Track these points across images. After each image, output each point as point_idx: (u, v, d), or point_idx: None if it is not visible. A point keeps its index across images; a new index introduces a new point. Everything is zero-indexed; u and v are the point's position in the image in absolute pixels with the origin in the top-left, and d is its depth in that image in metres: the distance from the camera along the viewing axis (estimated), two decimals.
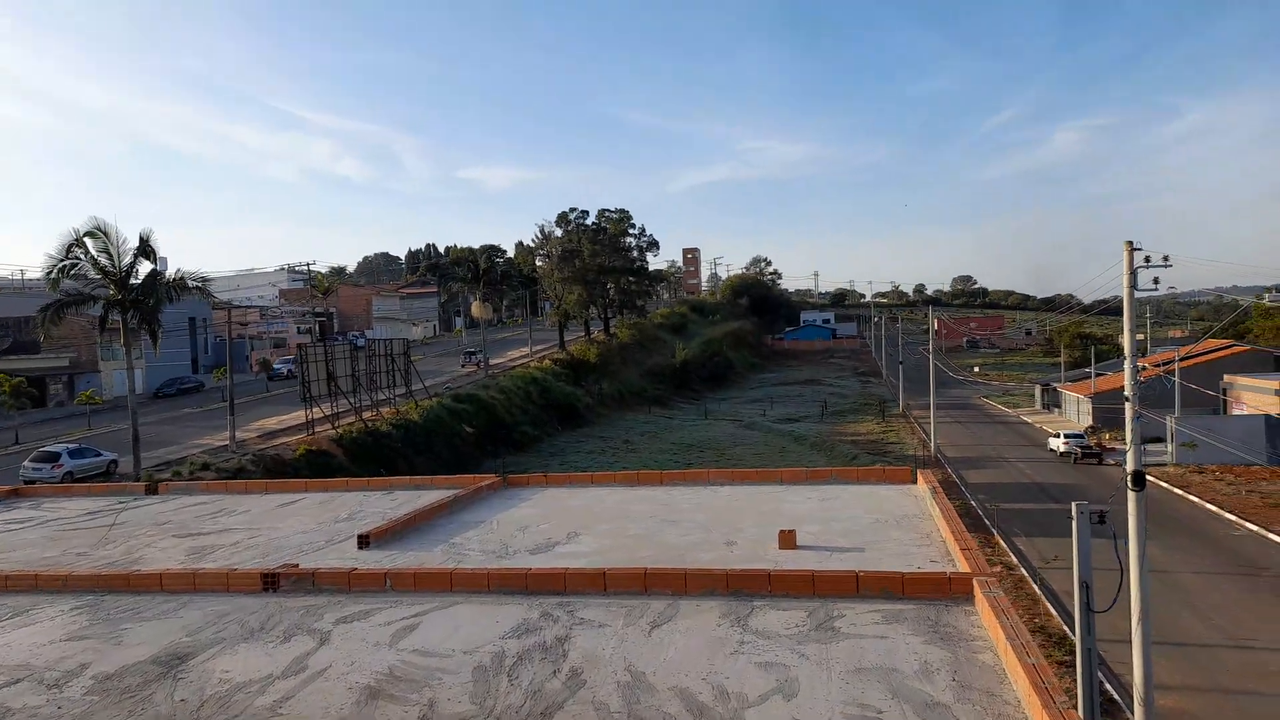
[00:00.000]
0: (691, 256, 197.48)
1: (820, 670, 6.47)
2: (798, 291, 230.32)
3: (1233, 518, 37.84)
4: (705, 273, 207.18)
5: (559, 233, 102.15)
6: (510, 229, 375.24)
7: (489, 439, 58.63)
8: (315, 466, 41.24)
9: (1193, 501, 41.57)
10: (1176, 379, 53.35)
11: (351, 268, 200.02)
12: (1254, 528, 35.89)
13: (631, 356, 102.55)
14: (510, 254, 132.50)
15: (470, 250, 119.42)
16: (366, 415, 51.85)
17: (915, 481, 12.95)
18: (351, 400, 51.07)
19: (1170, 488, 44.25)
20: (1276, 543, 33.71)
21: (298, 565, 9.83)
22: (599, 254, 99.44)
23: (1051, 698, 5.33)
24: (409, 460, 48.20)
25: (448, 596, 8.83)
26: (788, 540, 9.81)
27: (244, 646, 7.77)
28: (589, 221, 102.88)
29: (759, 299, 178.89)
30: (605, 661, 6.94)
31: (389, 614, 8.43)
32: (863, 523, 10.94)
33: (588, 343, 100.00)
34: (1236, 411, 56.09)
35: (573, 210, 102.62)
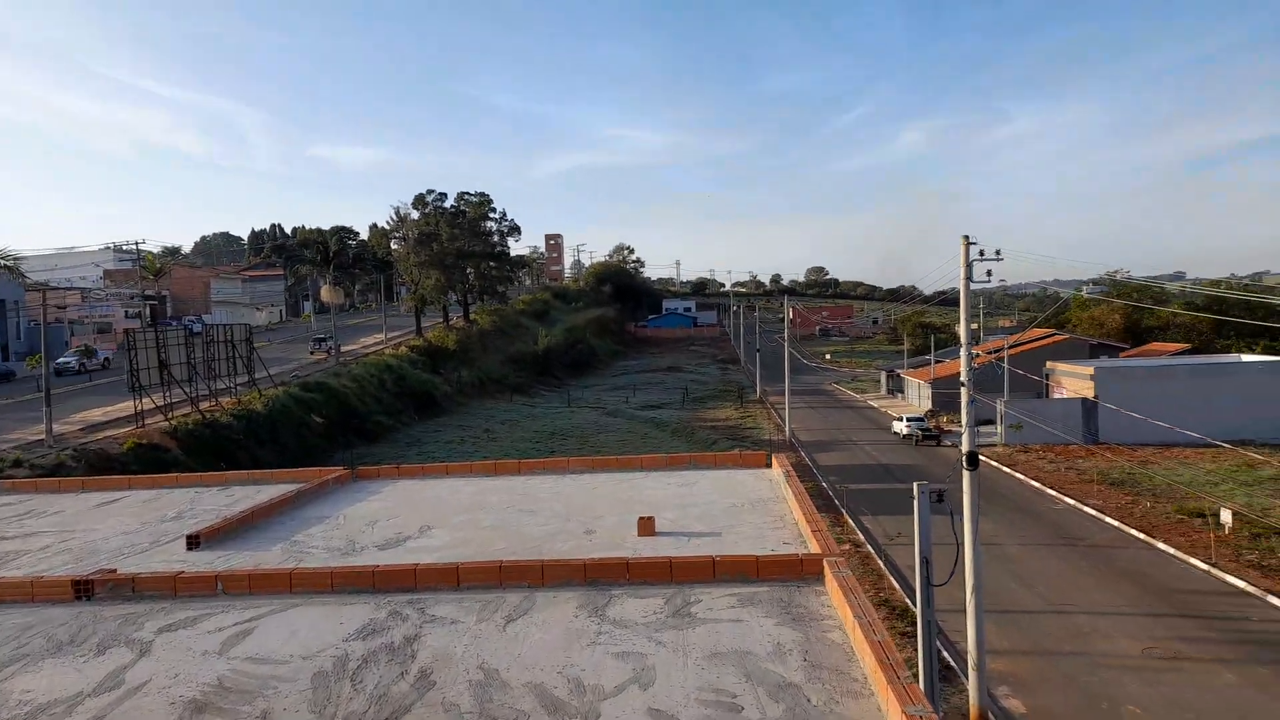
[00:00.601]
0: (554, 243, 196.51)
1: (677, 657, 6.43)
2: (660, 280, 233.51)
3: (1053, 493, 41.13)
4: (568, 259, 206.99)
5: (416, 215, 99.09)
6: (366, 211, 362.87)
7: (340, 429, 56.27)
8: (146, 461, 38.29)
9: (1019, 479, 44.92)
10: (1005, 365, 57.43)
11: (188, 248, 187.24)
12: (1071, 502, 39.14)
13: (492, 343, 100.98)
14: (364, 236, 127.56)
15: (320, 231, 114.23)
16: (204, 406, 48.64)
17: (770, 466, 13.23)
18: (187, 390, 47.75)
19: (999, 466, 47.64)
20: (1090, 515, 36.87)
21: (115, 570, 8.97)
22: (458, 238, 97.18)
23: (895, 673, 5.47)
24: (251, 453, 45.55)
25: (287, 599, 8.26)
26: (646, 527, 9.78)
27: (50, 662, 6.99)
28: (448, 204, 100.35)
29: (622, 287, 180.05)
30: (457, 660, 6.66)
31: (220, 620, 7.80)
32: (719, 507, 11.06)
33: (446, 329, 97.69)
34: (1057, 395, 61.01)
35: (430, 192, 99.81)
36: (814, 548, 8.58)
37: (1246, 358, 61.62)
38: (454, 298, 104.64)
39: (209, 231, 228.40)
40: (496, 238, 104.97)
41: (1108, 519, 35.86)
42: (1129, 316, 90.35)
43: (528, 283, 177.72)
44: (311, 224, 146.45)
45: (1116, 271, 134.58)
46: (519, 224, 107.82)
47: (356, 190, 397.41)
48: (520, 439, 60.16)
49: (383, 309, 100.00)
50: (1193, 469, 44.64)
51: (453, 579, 8.35)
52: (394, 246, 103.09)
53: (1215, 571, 28.47)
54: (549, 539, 10.11)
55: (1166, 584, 27.91)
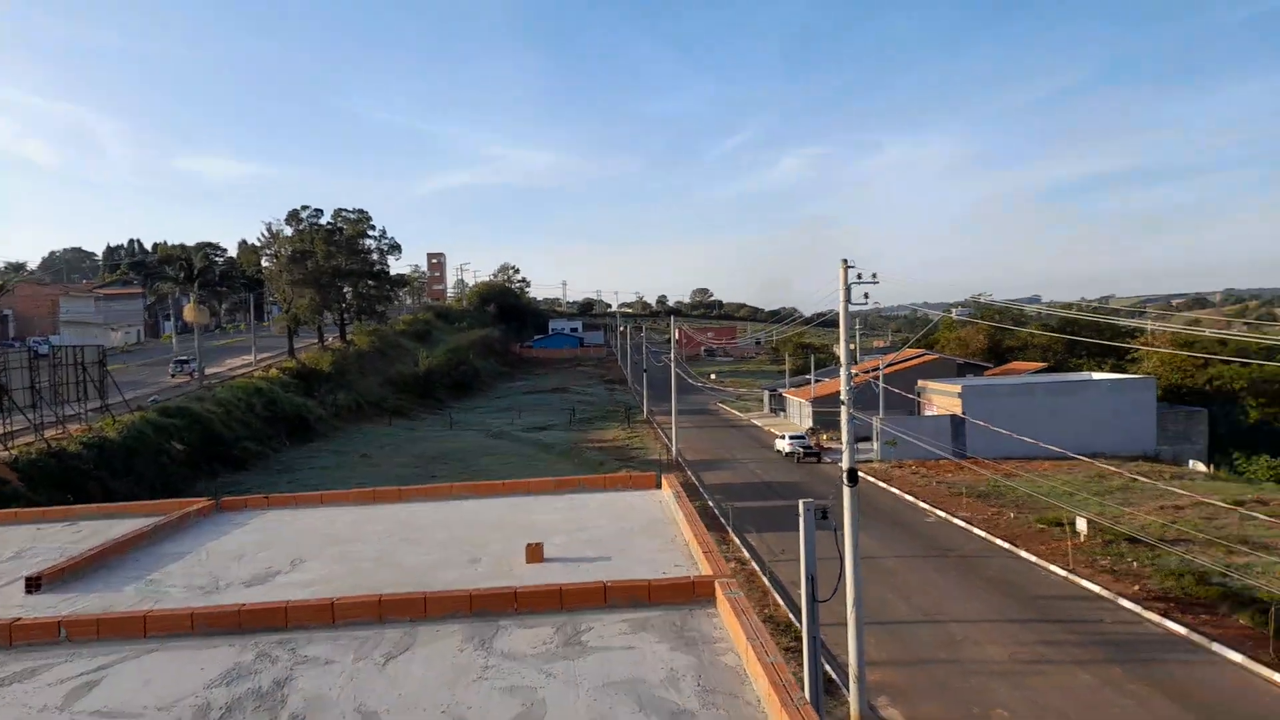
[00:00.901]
0: (437, 262, 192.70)
1: (568, 688, 6.20)
2: (546, 300, 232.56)
3: (926, 506, 42.93)
4: (451, 279, 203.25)
5: (289, 232, 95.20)
6: (235, 228, 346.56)
7: (204, 457, 53.10)
8: None
9: (894, 493, 46.69)
10: (881, 384, 59.79)
11: (34, 264, 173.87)
12: (942, 514, 40.93)
13: (371, 365, 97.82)
14: (233, 254, 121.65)
15: (183, 248, 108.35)
16: (50, 434, 44.95)
17: (660, 487, 13.16)
18: (30, 417, 44.04)
19: (876, 481, 49.41)
20: (960, 527, 38.64)
21: None
22: (334, 256, 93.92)
23: (789, 695, 5.42)
24: (104, 485, 42.32)
25: (141, 644, 7.56)
26: (535, 554, 9.50)
27: None
28: (324, 221, 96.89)
29: (507, 307, 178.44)
30: (332, 703, 6.21)
31: (63, 670, 7.06)
32: (609, 531, 10.87)
33: (321, 350, 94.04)
34: (928, 412, 63.94)
35: (305, 208, 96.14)
36: (705, 569, 8.52)
37: (1097, 375, 66.33)
38: (330, 318, 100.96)
39: (59, 247, 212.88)
40: (376, 256, 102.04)
41: (976, 530, 37.65)
42: (992, 337, 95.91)
43: (409, 302, 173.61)
44: (175, 239, 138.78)
45: (980, 295, 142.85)
46: (399, 242, 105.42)
47: (225, 205, 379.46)
48: (400, 463, 58.34)
49: (252, 329, 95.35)
50: (1051, 480, 47.48)
51: (327, 616, 7.85)
52: (265, 264, 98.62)
53: (1072, 577, 30.26)
54: (432, 570, 9.68)
55: (1029, 591, 29.45)
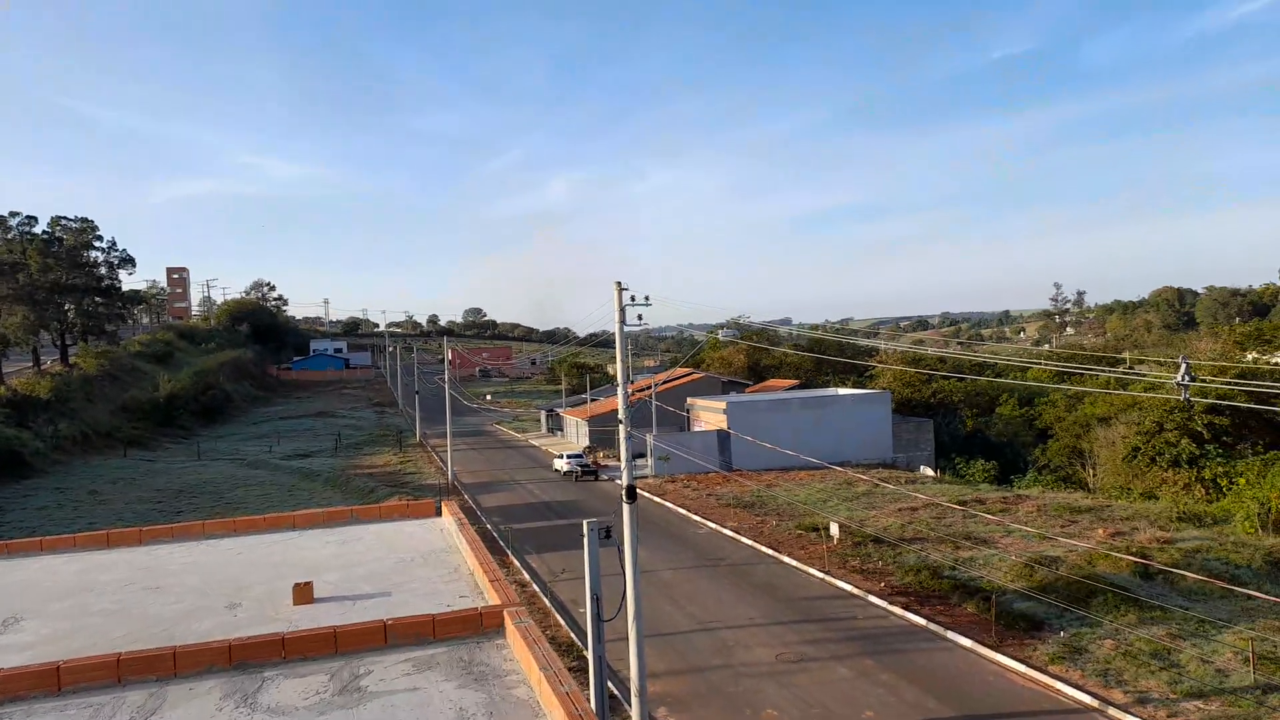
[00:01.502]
0: (178, 277, 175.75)
1: None
2: (306, 319, 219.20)
3: (697, 518, 44.69)
4: (196, 296, 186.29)
5: None
6: None
7: None
8: None
9: (668, 507, 48.22)
10: (653, 402, 61.73)
11: None
12: (713, 525, 42.79)
13: (101, 390, 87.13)
14: None
15: None
16: None
17: (440, 514, 12.65)
18: None
19: (651, 496, 50.80)
20: (729, 536, 40.56)
21: None
22: (53, 269, 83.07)
23: None
24: None
25: None
26: (304, 594, 8.75)
27: None
28: (39, 230, 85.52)
29: (262, 326, 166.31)
30: None
31: None
32: (387, 564, 10.27)
33: (38, 375, 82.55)
34: (697, 428, 66.79)
35: (14, 215, 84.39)
36: (493, 599, 8.24)
37: (842, 390, 72.44)
38: (48, 338, 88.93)
39: None
40: (104, 269, 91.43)
41: (743, 539, 39.69)
42: (751, 356, 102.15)
43: (146, 321, 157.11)
44: None
45: (740, 317, 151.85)
46: (133, 255, 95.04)
47: None
48: (138, 500, 52.31)
49: None
50: (807, 489, 51.14)
51: (52, 683, 6.75)
52: None
53: (829, 578, 32.65)
54: (183, 620, 8.64)
55: (792, 593, 31.42)
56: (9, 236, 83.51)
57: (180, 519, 44.19)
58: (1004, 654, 24.46)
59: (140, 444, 78.10)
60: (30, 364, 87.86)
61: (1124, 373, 57.36)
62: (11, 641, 8.25)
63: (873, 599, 29.98)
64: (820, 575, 33.10)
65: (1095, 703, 21.17)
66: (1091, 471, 60.33)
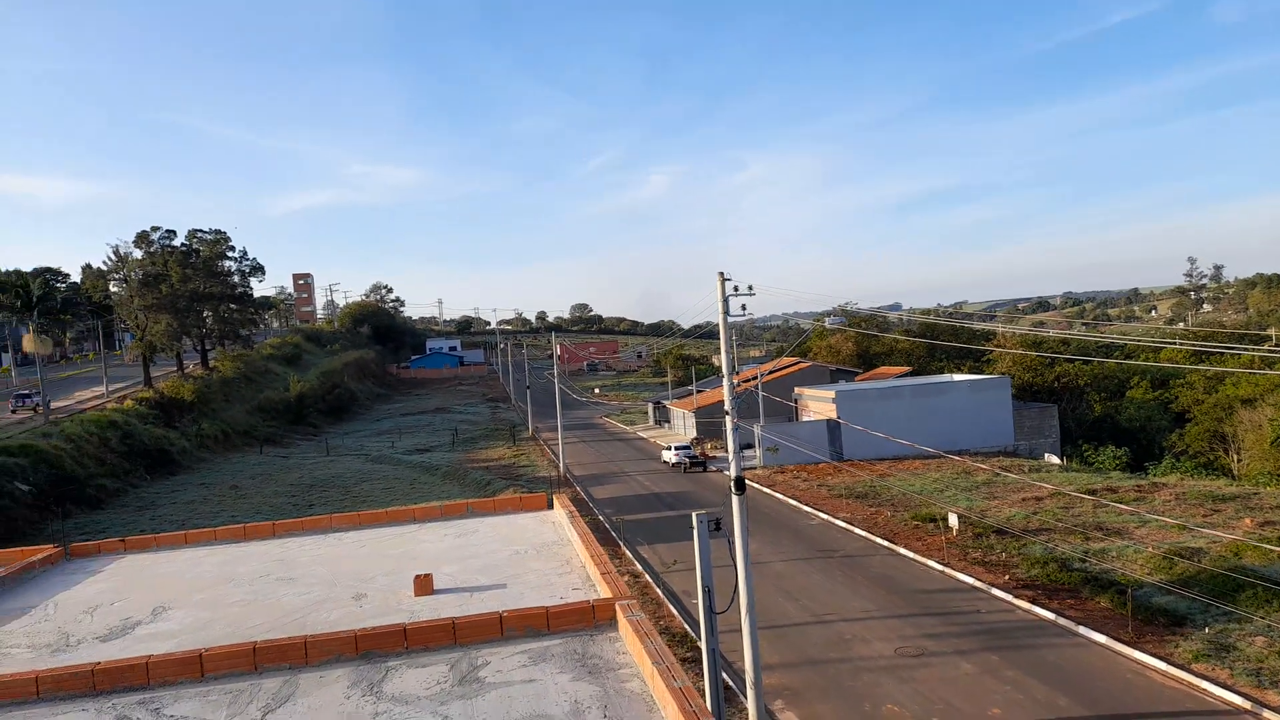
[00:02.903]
0: (304, 283, 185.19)
1: None
2: (422, 319, 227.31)
3: (808, 509, 44.03)
4: (321, 300, 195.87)
5: (139, 254, 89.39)
6: (78, 251, 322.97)
7: (54, 498, 48.94)
8: None
9: (778, 498, 47.70)
10: (760, 392, 61.15)
11: None
12: (825, 516, 42.07)
13: (237, 392, 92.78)
14: (76, 278, 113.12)
15: (19, 274, 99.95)
16: None
17: (552, 507, 12.85)
18: None
19: (760, 487, 50.35)
20: (841, 527, 39.79)
21: None
22: (191, 279, 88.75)
23: None
24: None
25: None
26: (424, 586, 9.03)
27: None
28: (177, 243, 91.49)
29: (382, 327, 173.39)
30: None
31: None
32: (502, 556, 10.50)
33: (182, 379, 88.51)
34: (805, 418, 65.79)
35: (156, 229, 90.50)
36: (605, 592, 8.28)
37: (957, 377, 69.93)
38: (190, 344, 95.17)
39: None
40: (237, 278, 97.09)
41: (856, 530, 38.85)
42: (859, 344, 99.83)
43: (276, 325, 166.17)
44: (8, 265, 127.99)
45: (846, 304, 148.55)
46: (263, 263, 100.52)
47: (63, 228, 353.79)
48: (273, 494, 55.43)
49: (103, 358, 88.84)
50: (922, 478, 49.62)
51: (195, 669, 7.18)
52: (114, 290, 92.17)
53: (948, 571, 31.58)
54: (313, 609, 9.05)
55: (910, 586, 30.54)
56: (151, 250, 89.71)
57: (311, 512, 46.58)
58: (1142, 650, 23.08)
59: (274, 441, 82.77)
60: (174, 368, 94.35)
61: (1270, 350, 53.14)
62: (160, 629, 8.83)
63: (996, 592, 28.83)
64: (939, 567, 32.07)
65: (1248, 704, 19.72)
66: (1235, 457, 56.29)
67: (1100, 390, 75.80)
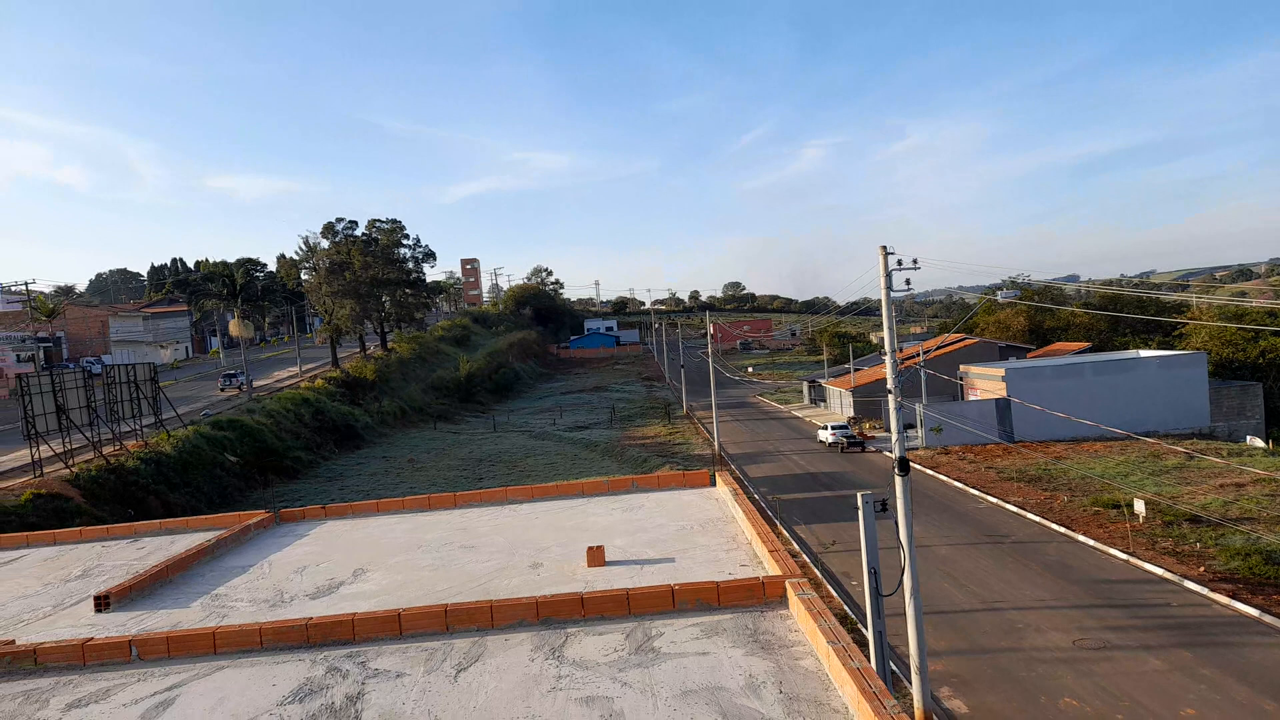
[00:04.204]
0: (471, 268, 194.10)
1: (645, 698, 6.07)
2: (580, 300, 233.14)
3: (976, 492, 42.17)
4: (486, 284, 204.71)
5: (325, 244, 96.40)
6: (271, 242, 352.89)
7: (257, 468, 53.95)
8: (46, 513, 35.86)
9: (942, 480, 45.94)
10: (923, 370, 58.93)
11: (82, 287, 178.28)
12: (994, 500, 40.17)
13: (412, 371, 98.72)
14: (272, 268, 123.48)
15: (224, 264, 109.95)
16: (108, 450, 45.98)
17: (714, 484, 12.99)
18: (88, 435, 45.07)
19: (923, 469, 48.66)
20: (1012, 512, 37.89)
21: (13, 641, 8.11)
22: (371, 266, 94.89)
23: (882, 703, 5.23)
24: (163, 498, 43.21)
25: (211, 661, 7.58)
26: (596, 557, 9.39)
27: None
28: (358, 232, 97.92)
29: (542, 309, 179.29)
30: (407, 718, 6.15)
31: (136, 690, 7.09)
32: (669, 531, 10.74)
33: (364, 359, 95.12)
34: (972, 397, 62.84)
35: (339, 220, 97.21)
36: (773, 569, 8.34)
37: (1144, 353, 64.69)
38: (370, 327, 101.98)
39: (105, 269, 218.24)
40: (411, 264, 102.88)
41: (1029, 515, 36.89)
42: (1032, 318, 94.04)
43: (446, 308, 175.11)
44: (214, 257, 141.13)
45: (1017, 276, 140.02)
46: (433, 250, 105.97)
47: (260, 221, 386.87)
48: (447, 467, 58.76)
49: (295, 341, 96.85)
50: (1104, 462, 46.40)
51: (394, 627, 7.81)
52: (304, 277, 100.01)
53: (1134, 560, 29.49)
54: (494, 576, 9.62)
55: (1089, 575, 28.75)
56: (336, 240, 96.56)
57: (481, 485, 49.10)
58: None
59: (446, 418, 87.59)
60: (358, 350, 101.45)
61: None
62: (361, 589, 9.65)
63: (1189, 585, 26.69)
64: (1123, 557, 29.99)
65: None
66: None
67: None
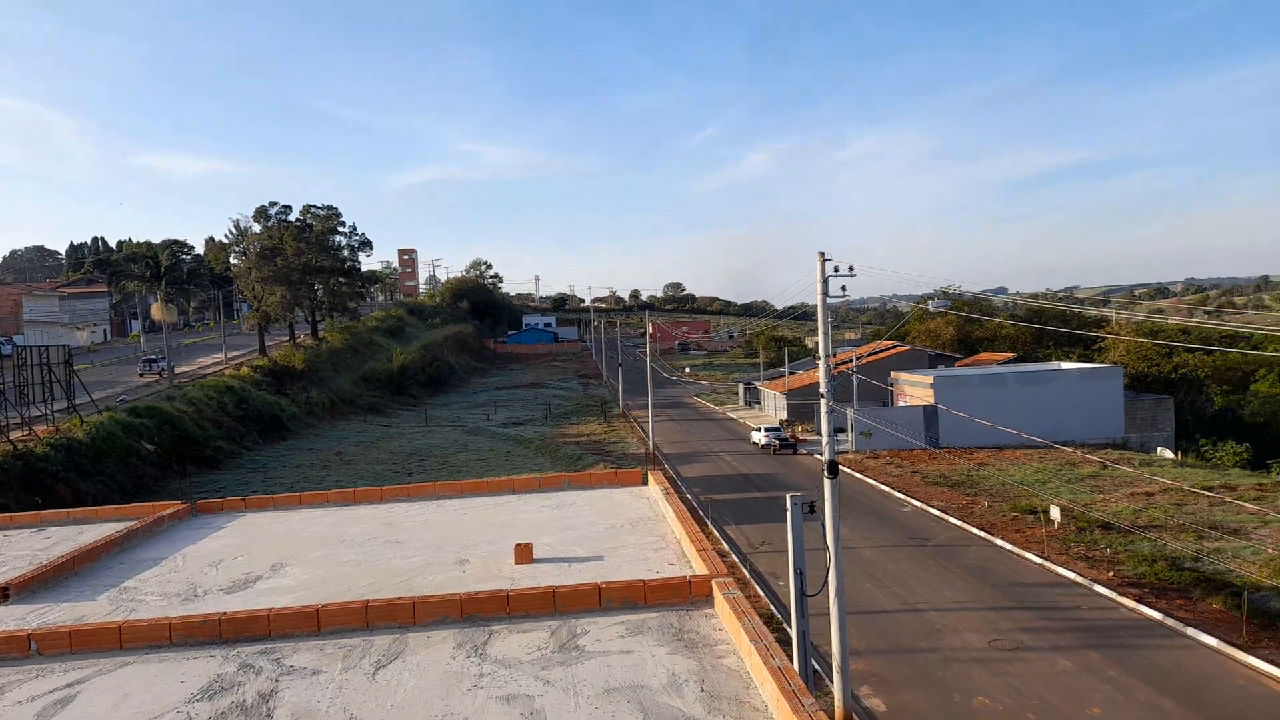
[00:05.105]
0: (408, 258, 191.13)
1: (567, 696, 6.03)
2: (520, 295, 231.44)
3: (901, 496, 43.19)
4: (423, 275, 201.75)
5: (258, 229, 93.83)
6: (200, 224, 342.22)
7: (176, 457, 52.20)
8: None
9: (870, 483, 46.94)
10: (855, 376, 60.10)
11: None
12: (919, 504, 41.19)
13: (344, 362, 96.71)
14: (200, 251, 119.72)
15: (149, 245, 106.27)
16: (15, 435, 43.92)
17: (646, 483, 13.00)
18: None
19: (852, 472, 49.63)
20: (936, 516, 38.90)
21: None
22: (304, 252, 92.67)
23: (800, 701, 5.28)
24: (73, 487, 41.47)
25: (116, 656, 7.28)
26: (524, 554, 9.30)
27: None
28: (292, 218, 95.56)
29: (480, 302, 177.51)
30: (321, 716, 6.00)
31: (34, 687, 6.77)
32: (599, 529, 10.71)
33: (293, 348, 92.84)
34: (901, 403, 64.36)
35: (273, 205, 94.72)
36: (700, 568, 8.37)
37: (1065, 365, 67.09)
38: (301, 315, 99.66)
39: (21, 245, 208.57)
40: (346, 252, 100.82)
41: (951, 519, 37.93)
42: (961, 328, 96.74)
43: (381, 299, 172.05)
44: (140, 237, 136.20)
45: (949, 287, 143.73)
46: (370, 238, 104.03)
47: (190, 202, 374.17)
48: (376, 461, 57.72)
49: (222, 327, 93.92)
50: (1023, 469, 47.99)
51: (312, 623, 7.61)
52: (234, 262, 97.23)
53: (1048, 565, 30.56)
54: (419, 572, 9.45)
55: (1006, 578, 29.70)
56: (269, 225, 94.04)
57: (411, 479, 48.35)
58: (1257, 656, 21.90)
59: (377, 410, 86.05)
60: (287, 338, 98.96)
61: None
62: (279, 584, 9.38)
63: (1099, 589, 27.78)
64: (1038, 561, 31.06)
65: None
66: None
67: (1222, 383, 71.53)
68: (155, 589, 9.52)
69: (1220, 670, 21.79)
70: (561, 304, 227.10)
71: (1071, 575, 29.27)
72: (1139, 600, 26.40)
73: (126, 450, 48.15)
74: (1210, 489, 38.89)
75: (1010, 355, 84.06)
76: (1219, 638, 23.19)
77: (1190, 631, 23.92)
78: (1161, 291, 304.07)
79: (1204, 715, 19.47)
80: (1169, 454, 55.66)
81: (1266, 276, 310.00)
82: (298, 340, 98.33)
